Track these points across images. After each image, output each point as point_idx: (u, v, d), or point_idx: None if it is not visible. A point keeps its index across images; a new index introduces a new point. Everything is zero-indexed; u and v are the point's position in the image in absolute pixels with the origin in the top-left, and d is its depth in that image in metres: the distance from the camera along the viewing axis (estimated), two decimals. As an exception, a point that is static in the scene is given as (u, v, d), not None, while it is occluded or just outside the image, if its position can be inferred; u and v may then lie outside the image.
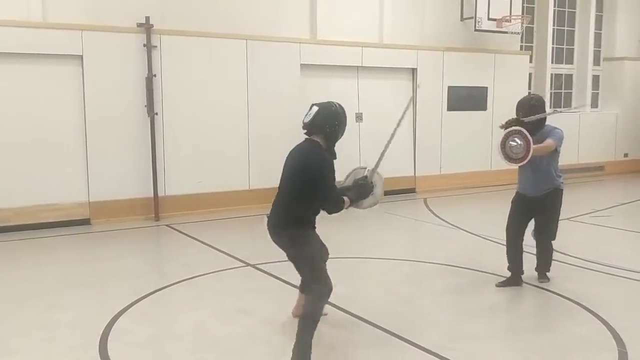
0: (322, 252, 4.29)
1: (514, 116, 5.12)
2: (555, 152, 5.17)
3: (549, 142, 5.05)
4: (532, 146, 4.83)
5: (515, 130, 4.88)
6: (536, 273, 5.60)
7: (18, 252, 6.91)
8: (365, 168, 4.43)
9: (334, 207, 4.08)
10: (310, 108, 4.06)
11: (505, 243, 5.55)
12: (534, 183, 5.25)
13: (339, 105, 4.12)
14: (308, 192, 3.92)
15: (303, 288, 4.40)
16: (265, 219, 4.14)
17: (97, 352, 4.02)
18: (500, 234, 7.57)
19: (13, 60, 7.64)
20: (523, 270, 5.45)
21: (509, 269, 5.49)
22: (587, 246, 6.40)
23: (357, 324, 4.57)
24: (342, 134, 4.10)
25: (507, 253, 5.50)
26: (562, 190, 5.32)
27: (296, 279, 5.58)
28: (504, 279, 5.51)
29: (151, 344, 4.23)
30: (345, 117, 4.10)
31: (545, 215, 5.33)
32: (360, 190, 4.30)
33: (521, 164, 4.95)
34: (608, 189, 12.13)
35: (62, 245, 7.24)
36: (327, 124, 3.99)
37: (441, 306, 5.03)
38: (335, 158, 4.04)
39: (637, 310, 4.95)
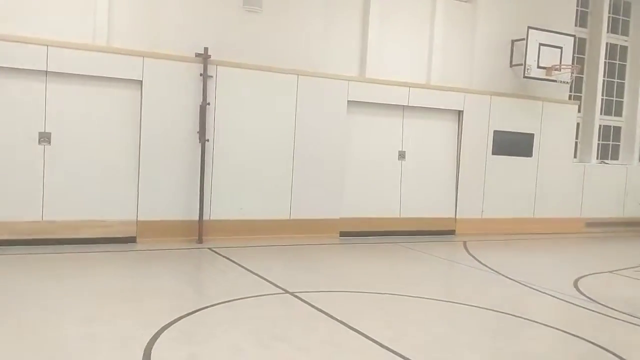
0: None
1: None
2: None
3: None
4: None
5: None
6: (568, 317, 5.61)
7: (61, 265, 7.15)
8: None
9: None
10: None
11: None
12: None
13: None
14: None
15: None
16: None
17: (138, 364, 4.15)
18: (542, 281, 7.47)
19: (78, 81, 8.08)
20: None
21: None
22: (635, 301, 6.25)
23: (391, 358, 4.59)
24: None
25: None
26: None
27: (333, 308, 5.68)
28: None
29: (190, 361, 4.34)
30: None
31: None
32: None
33: None
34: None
35: (106, 261, 7.48)
36: None
37: (475, 348, 5.01)
38: None
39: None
